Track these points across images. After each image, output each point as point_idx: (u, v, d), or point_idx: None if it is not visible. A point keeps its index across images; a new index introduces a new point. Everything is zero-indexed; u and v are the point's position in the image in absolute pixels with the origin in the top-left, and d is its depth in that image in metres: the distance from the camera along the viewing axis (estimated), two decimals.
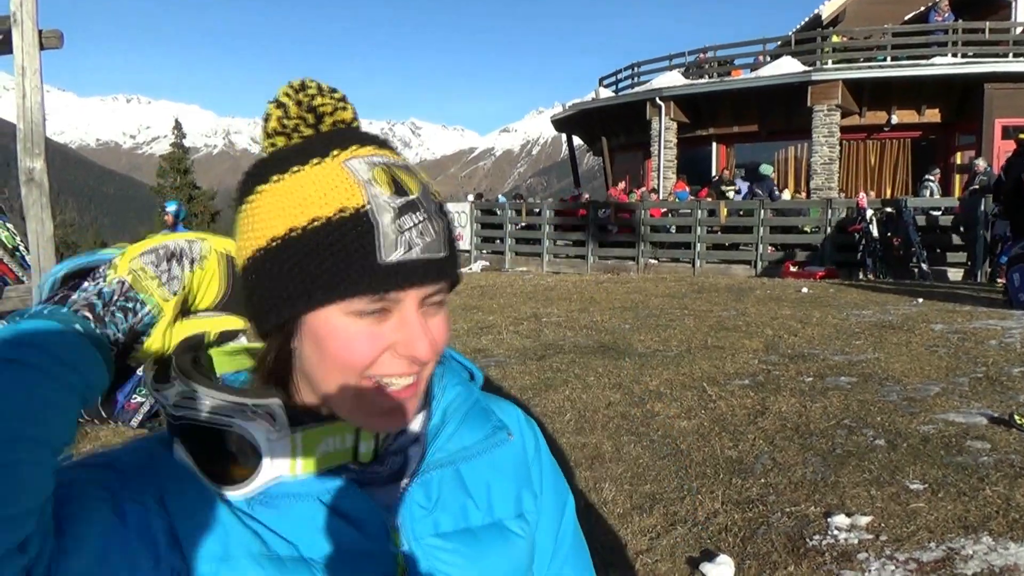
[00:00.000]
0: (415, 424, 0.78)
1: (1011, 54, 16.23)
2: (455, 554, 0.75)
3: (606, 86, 23.08)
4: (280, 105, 0.70)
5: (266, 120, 0.71)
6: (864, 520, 3.26)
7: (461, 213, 18.42)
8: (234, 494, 0.67)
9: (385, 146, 0.71)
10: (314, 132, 0.70)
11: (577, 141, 25.71)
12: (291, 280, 0.65)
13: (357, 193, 0.64)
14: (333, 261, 0.63)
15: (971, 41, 16.75)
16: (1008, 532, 3.06)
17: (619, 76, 22.72)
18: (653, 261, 15.56)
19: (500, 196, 23.29)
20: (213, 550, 0.66)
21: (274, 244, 0.66)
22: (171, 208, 10.49)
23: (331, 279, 0.64)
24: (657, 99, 19.08)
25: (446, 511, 0.77)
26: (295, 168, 0.67)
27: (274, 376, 0.71)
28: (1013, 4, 18.56)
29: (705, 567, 3.04)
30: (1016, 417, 4.14)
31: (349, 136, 0.69)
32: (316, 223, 0.64)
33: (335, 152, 0.67)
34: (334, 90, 0.71)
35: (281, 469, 0.68)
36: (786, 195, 16.40)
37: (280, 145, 0.70)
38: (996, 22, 17.03)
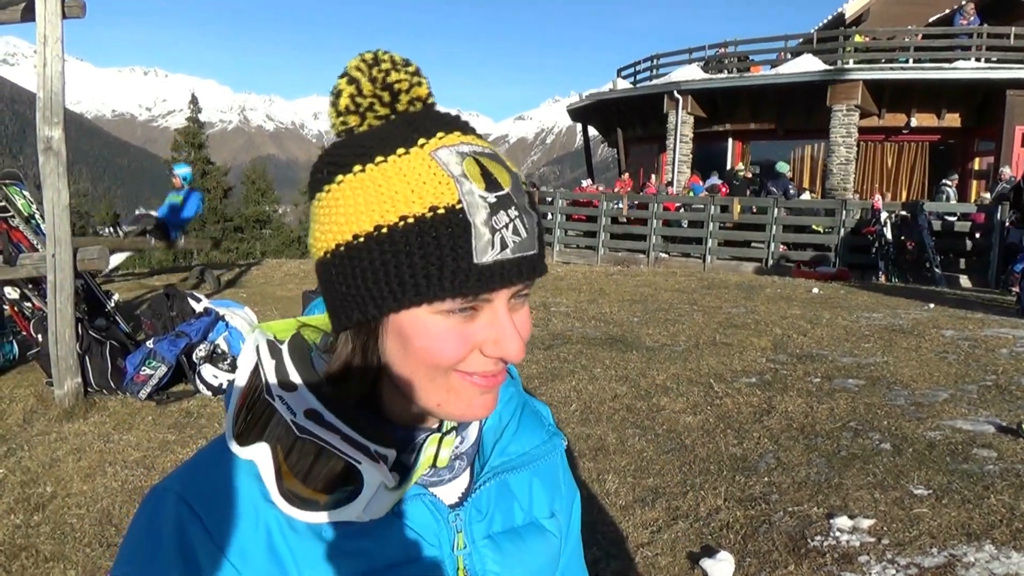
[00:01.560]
0: (474, 427, 0.77)
1: None
2: (503, 554, 0.76)
3: (624, 77, 22.95)
4: (352, 81, 0.66)
5: (337, 96, 0.67)
6: (866, 523, 3.26)
7: None
8: (306, 517, 0.65)
9: (469, 131, 0.67)
10: (389, 111, 0.67)
11: (592, 132, 25.61)
12: (378, 279, 0.62)
13: (449, 189, 0.61)
14: (425, 263, 0.60)
15: (995, 46, 16.56)
16: (1011, 541, 3.05)
17: (638, 68, 22.58)
18: (664, 255, 15.52)
19: None
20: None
21: (359, 241, 0.63)
22: (179, 172, 10.44)
23: (423, 281, 0.61)
24: (675, 92, 18.95)
25: (498, 512, 0.78)
26: (379, 158, 0.63)
27: (357, 372, 0.68)
28: None
29: (705, 563, 3.04)
30: None
31: (433, 121, 0.66)
32: (407, 221, 0.61)
33: (421, 140, 0.63)
34: (408, 63, 0.68)
35: (373, 513, 0.66)
36: (806, 196, 16.30)
37: (352, 124, 0.67)
38: (1021, 27, 16.80)
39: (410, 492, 0.71)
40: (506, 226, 0.61)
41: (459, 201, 0.60)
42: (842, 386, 5.15)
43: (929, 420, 4.42)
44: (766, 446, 4.18)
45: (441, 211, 0.60)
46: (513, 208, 0.62)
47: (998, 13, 18.26)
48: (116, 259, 9.71)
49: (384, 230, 0.61)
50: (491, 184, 0.62)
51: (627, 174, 20.43)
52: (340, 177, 0.65)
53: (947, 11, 19.52)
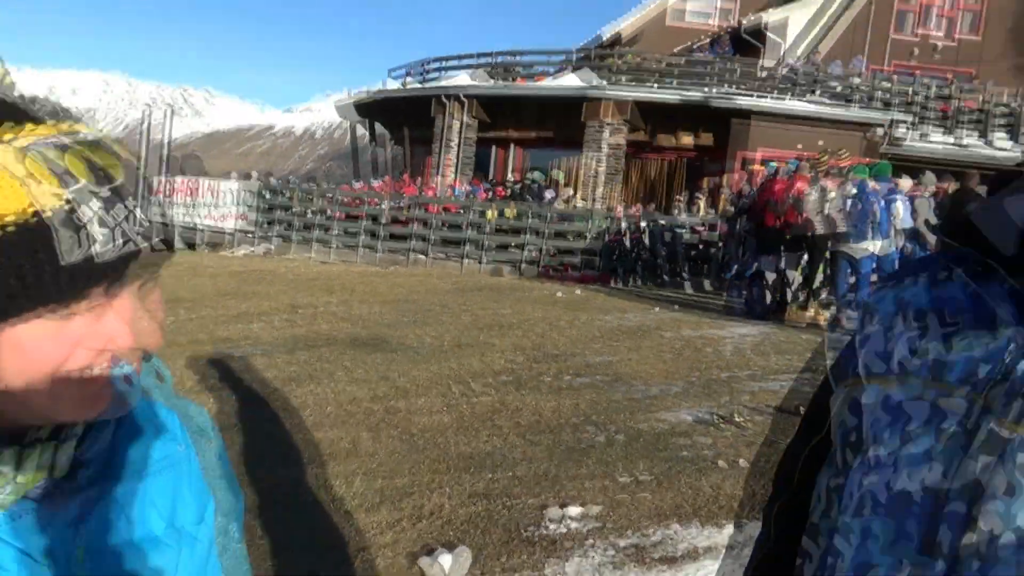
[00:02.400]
0: (104, 433, 0.72)
1: (773, 92, 18.21)
2: (126, 563, 0.71)
3: (396, 77, 22.93)
4: None
5: None
6: (591, 510, 3.53)
7: (243, 191, 17.53)
8: None
9: (59, 119, 0.60)
10: None
11: (366, 130, 25.30)
12: None
13: (17, 193, 0.55)
14: (4, 277, 0.55)
15: (745, 73, 18.65)
16: (716, 518, 3.46)
17: (416, 69, 22.63)
18: (428, 257, 15.72)
19: (291, 177, 22.45)
20: None
21: None
22: None
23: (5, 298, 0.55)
24: (457, 96, 19.24)
25: (124, 522, 0.72)
26: None
27: None
28: (781, 46, 20.89)
29: (426, 561, 3.10)
30: (735, 416, 4.73)
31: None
32: None
33: None
34: None
35: None
36: (560, 204, 17.26)
37: None
38: (760, 61, 19.10)
39: (20, 507, 0.64)
40: (96, 221, 0.57)
41: (31, 204, 0.55)
42: (570, 384, 5.53)
43: (651, 412, 4.89)
44: (499, 443, 4.37)
45: (11, 218, 0.54)
46: (101, 202, 0.57)
47: (746, 47, 20.63)
48: None
49: None
50: (68, 179, 0.56)
51: (394, 175, 20.44)
52: None
53: (704, 40, 21.97)
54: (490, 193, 17.40)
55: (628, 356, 6.43)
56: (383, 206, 16.38)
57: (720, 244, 14.37)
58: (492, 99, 19.42)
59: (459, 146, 19.67)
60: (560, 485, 3.79)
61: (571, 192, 17.64)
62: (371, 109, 23.39)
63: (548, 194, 16.86)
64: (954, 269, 0.71)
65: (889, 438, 0.67)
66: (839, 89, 18.44)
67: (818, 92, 18.27)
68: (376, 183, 20.21)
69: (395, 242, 16.00)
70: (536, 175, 17.08)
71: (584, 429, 4.56)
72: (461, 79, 20.19)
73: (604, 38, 24.85)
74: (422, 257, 15.64)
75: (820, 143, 14.88)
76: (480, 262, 15.23)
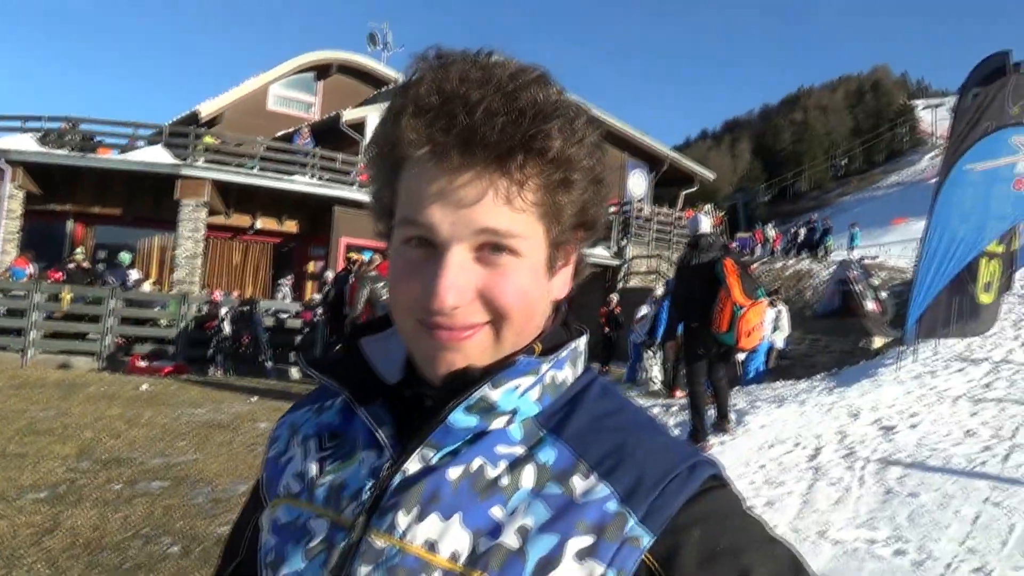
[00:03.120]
0: None
1: (356, 184, 18.98)
2: None
3: None
4: None
5: None
6: None
7: None
8: None
9: None
10: None
11: None
12: None
13: None
14: None
15: (326, 167, 19.12)
16: None
17: None
18: None
19: None
20: None
21: None
22: None
23: None
24: (2, 161, 16.72)
25: None
26: None
27: None
28: (361, 142, 21.97)
29: None
30: None
31: None
32: None
33: None
34: None
35: None
36: (147, 287, 15.87)
37: None
38: (347, 155, 19.84)
39: None
40: None
41: None
42: (144, 490, 4.99)
43: (223, 515, 4.58)
44: (47, 571, 3.73)
45: None
46: None
47: (329, 139, 21.23)
48: None
49: None
50: None
51: None
52: None
53: (290, 129, 22.08)
54: (62, 273, 15.35)
55: (211, 453, 6.03)
56: None
57: (306, 331, 14.48)
58: (58, 168, 17.32)
59: (18, 219, 17.12)
60: None
61: (141, 275, 16.29)
62: None
63: (134, 274, 15.46)
64: (337, 397, 0.76)
65: (285, 557, 0.68)
66: None
67: None
68: None
69: None
70: (123, 256, 15.58)
71: (158, 540, 4.13)
72: (20, 141, 17.66)
73: (183, 116, 24.02)
74: None
75: None
76: (48, 352, 13.22)
